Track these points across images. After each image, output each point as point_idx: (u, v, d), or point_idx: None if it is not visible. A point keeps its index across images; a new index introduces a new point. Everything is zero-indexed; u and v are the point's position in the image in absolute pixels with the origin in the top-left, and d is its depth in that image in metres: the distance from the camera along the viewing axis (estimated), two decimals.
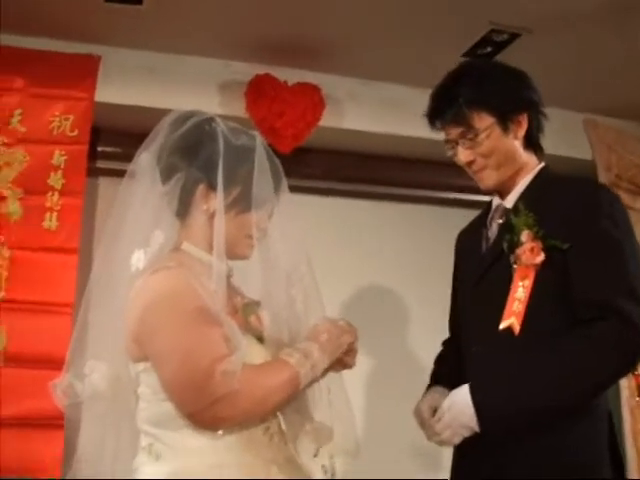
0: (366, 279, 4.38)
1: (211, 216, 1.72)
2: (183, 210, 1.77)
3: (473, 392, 1.87)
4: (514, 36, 3.45)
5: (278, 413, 1.73)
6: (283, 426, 1.74)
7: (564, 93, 3.98)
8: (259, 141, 1.77)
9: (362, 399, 4.08)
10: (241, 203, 1.73)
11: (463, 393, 1.89)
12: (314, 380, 1.71)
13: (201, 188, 1.73)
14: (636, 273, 1.86)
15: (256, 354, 1.67)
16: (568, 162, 4.12)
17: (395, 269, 4.44)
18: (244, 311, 1.78)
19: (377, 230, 4.52)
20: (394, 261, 4.46)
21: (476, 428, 1.86)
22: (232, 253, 1.74)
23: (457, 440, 1.92)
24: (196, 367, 1.55)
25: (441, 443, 1.99)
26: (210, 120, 1.79)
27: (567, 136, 4.11)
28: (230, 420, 1.61)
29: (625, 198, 4.15)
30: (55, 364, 2.86)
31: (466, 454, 2.02)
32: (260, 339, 1.73)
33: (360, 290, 4.32)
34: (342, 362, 1.79)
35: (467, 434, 1.89)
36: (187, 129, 1.75)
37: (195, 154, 1.73)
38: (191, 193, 1.74)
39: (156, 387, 1.64)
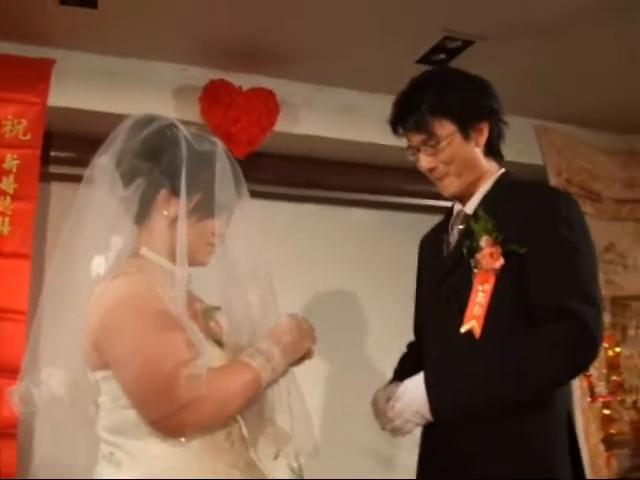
0: (320, 284, 4.39)
1: (171, 222, 1.71)
2: (142, 215, 1.75)
3: (427, 380, 1.90)
4: (467, 43, 3.50)
5: (239, 417, 1.73)
6: (244, 431, 1.74)
7: (515, 99, 4.01)
8: (220, 147, 1.76)
9: (320, 402, 4.09)
10: (202, 209, 1.73)
11: (417, 381, 1.92)
12: (273, 382, 1.72)
13: (163, 193, 1.72)
14: (590, 276, 1.90)
15: (216, 359, 1.66)
16: (520, 167, 4.15)
17: (349, 273, 4.46)
18: (204, 316, 1.78)
19: (331, 235, 4.55)
20: (348, 265, 4.48)
21: (428, 416, 1.88)
22: (192, 260, 1.72)
23: (410, 428, 1.95)
24: (160, 372, 1.54)
25: (394, 431, 2.01)
26: (172, 125, 1.78)
27: (518, 142, 4.14)
28: (195, 426, 1.60)
29: None
30: (9, 372, 2.86)
31: (429, 448, 2.06)
32: (220, 344, 1.73)
33: (315, 295, 4.33)
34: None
35: (420, 422, 1.92)
36: (149, 133, 1.74)
37: (157, 159, 1.72)
38: (152, 198, 1.73)
39: (116, 394, 1.62)
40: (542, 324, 1.86)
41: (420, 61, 3.64)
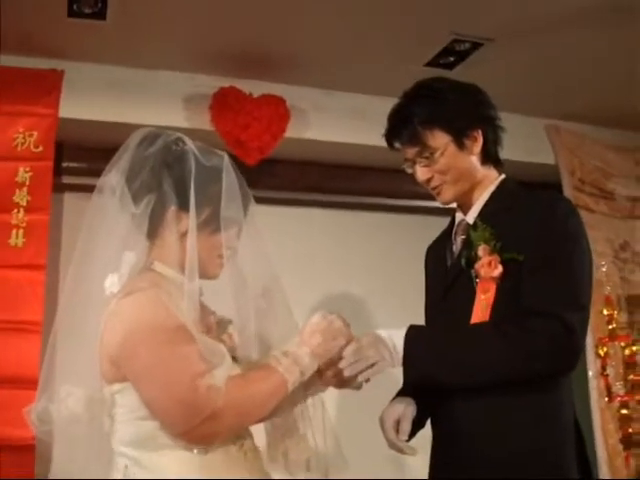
0: (334, 288, 4.38)
1: (182, 236, 1.72)
2: (154, 230, 1.76)
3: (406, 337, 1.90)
4: (476, 45, 3.48)
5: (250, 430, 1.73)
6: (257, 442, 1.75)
7: (526, 99, 4.03)
8: (227, 161, 1.77)
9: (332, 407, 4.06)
10: (212, 224, 1.74)
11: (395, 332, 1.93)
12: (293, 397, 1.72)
13: (172, 209, 1.73)
14: (582, 285, 1.91)
15: (232, 371, 1.66)
16: (532, 168, 4.19)
17: (363, 278, 4.46)
18: (217, 330, 1.78)
19: (344, 239, 4.54)
20: (362, 270, 4.48)
21: (392, 362, 1.88)
22: (203, 273, 1.73)
23: (365, 375, 1.89)
24: (181, 386, 1.56)
25: (393, 446, 2.04)
26: (179, 140, 1.79)
27: (530, 142, 4.17)
28: (221, 435, 1.63)
29: (588, 202, 4.22)
30: (25, 383, 2.88)
31: (439, 450, 2.07)
32: (234, 357, 1.73)
33: (329, 299, 4.32)
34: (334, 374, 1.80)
35: (377, 369, 1.88)
36: (156, 149, 1.75)
37: (166, 175, 1.73)
38: (162, 214, 1.74)
39: (133, 407, 1.64)
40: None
41: (429, 64, 3.63)
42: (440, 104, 2.03)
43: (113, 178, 1.74)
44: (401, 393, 2.20)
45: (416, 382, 2.00)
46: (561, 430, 1.93)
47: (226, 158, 1.78)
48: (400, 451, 2.06)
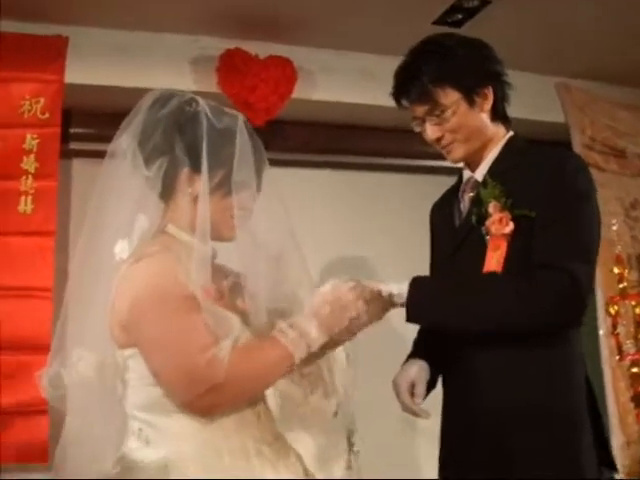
0: (345, 249, 4.37)
1: (195, 199, 1.71)
2: (167, 193, 1.75)
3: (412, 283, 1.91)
4: (485, 2, 3.43)
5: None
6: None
7: (535, 57, 3.98)
8: (241, 122, 1.75)
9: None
10: (224, 186, 1.72)
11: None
12: (311, 356, 1.70)
13: (185, 171, 1.72)
14: (590, 241, 1.91)
15: (242, 337, 1.66)
16: (542, 126, 4.15)
17: (374, 239, 4.44)
18: (230, 295, 1.77)
19: (356, 200, 4.51)
20: (374, 230, 4.45)
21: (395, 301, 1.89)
22: (217, 235, 1.73)
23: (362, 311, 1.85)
24: (186, 356, 1.55)
25: (407, 409, 2.09)
26: (192, 101, 1.76)
27: (540, 100, 4.12)
28: (223, 406, 1.62)
29: (598, 160, 4.19)
30: (38, 349, 2.90)
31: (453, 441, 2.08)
32: (246, 321, 1.72)
33: (340, 260, 4.32)
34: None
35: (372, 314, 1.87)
36: (169, 111, 1.73)
37: (178, 137, 1.71)
38: (175, 177, 1.73)
39: (143, 372, 1.64)
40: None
41: (436, 22, 3.58)
42: (449, 61, 2.00)
43: (125, 142, 1.73)
44: (412, 355, 2.20)
45: (420, 324, 2.03)
46: (572, 386, 1.95)
47: (240, 119, 1.76)
48: (415, 414, 2.08)
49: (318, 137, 4.26)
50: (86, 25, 3.50)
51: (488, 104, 2.04)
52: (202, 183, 1.69)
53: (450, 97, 2.00)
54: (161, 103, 1.75)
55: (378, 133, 4.30)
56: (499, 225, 1.91)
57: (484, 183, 2.00)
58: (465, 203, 2.11)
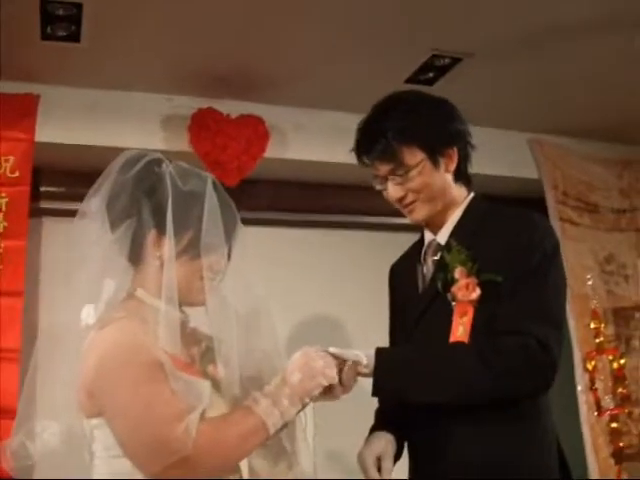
0: (317, 308, 4.33)
1: (163, 262, 1.66)
2: (136, 256, 1.71)
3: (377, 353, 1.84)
4: (456, 60, 3.46)
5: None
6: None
7: (507, 114, 4.02)
8: (210, 183, 1.71)
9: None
10: (193, 248, 1.68)
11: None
12: (284, 426, 1.65)
13: (152, 234, 1.68)
14: (556, 304, 1.89)
15: (214, 406, 1.61)
16: (514, 181, 4.17)
17: (345, 296, 4.40)
18: (202, 360, 1.72)
19: (326, 258, 4.49)
20: (344, 288, 4.42)
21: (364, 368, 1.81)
22: (186, 299, 1.69)
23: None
24: (152, 427, 1.51)
25: None
26: (159, 162, 1.73)
27: (513, 156, 4.15)
28: (193, 477, 1.55)
29: (572, 215, 4.22)
30: (4, 413, 2.82)
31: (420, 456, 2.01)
32: (217, 388, 1.66)
33: (312, 319, 4.28)
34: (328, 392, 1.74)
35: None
36: (136, 172, 1.69)
37: (145, 200, 1.68)
38: (143, 240, 1.68)
39: (109, 443, 1.58)
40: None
41: (409, 80, 3.60)
42: (415, 119, 1.96)
43: (94, 204, 1.69)
44: (376, 427, 2.12)
45: (387, 397, 1.96)
46: (545, 455, 1.90)
47: (210, 180, 1.72)
48: None
49: (289, 196, 4.26)
50: (57, 84, 3.50)
51: (452, 164, 2.00)
52: (168, 246, 1.65)
53: (415, 157, 1.94)
54: (131, 164, 1.72)
55: (350, 192, 4.25)
56: (466, 291, 1.86)
57: (448, 247, 1.94)
58: (428, 267, 2.05)
